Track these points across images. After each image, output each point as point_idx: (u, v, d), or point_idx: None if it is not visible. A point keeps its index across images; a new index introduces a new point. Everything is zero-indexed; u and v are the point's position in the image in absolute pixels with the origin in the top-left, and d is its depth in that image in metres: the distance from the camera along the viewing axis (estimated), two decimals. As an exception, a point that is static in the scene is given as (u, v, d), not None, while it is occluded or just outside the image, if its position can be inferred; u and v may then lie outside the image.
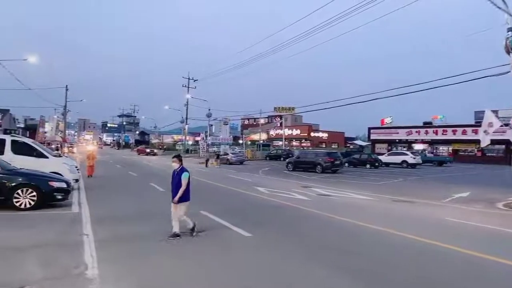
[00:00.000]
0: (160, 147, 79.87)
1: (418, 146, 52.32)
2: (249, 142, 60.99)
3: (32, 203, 9.14)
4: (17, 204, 8.99)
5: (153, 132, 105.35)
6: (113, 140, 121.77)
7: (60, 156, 15.12)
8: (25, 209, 9.01)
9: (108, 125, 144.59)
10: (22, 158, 12.59)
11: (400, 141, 54.85)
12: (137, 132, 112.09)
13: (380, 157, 36.46)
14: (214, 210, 10.01)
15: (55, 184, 9.60)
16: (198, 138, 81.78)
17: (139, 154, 60.27)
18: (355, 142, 77.87)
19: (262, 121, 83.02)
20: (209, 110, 48.94)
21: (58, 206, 9.83)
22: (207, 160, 34.51)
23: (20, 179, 9.15)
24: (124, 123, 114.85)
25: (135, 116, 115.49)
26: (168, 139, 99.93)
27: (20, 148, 13.10)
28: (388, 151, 45.66)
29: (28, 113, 75.47)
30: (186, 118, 58.27)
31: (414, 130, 54.42)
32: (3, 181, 8.96)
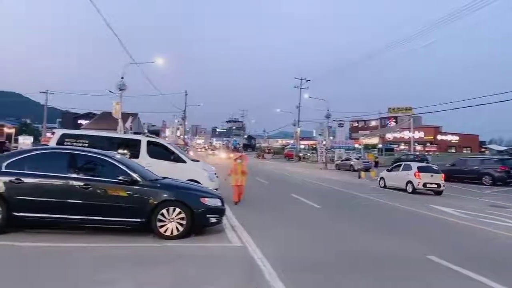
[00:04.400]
0: (268, 151, 78.63)
1: None
2: (360, 146, 54.95)
3: (180, 228, 6.33)
4: (162, 230, 6.26)
5: (261, 136, 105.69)
6: (223, 144, 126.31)
7: (197, 160, 12.79)
8: (171, 238, 6.25)
9: (217, 130, 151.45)
10: (158, 162, 10.39)
11: None
12: (245, 137, 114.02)
13: None
14: (443, 254, 5.98)
15: (208, 202, 6.69)
16: (307, 142, 78.30)
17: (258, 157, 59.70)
18: (489, 146, 65.74)
19: (373, 123, 75.89)
20: (328, 110, 44.76)
21: (208, 233, 6.94)
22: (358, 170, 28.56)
23: (165, 194, 6.43)
24: (234, 128, 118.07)
25: (242, 122, 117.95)
26: (275, 143, 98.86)
27: (156, 151, 10.97)
28: None
29: (146, 118, 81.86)
30: (298, 121, 55.28)
31: None
32: (145, 196, 6.32)
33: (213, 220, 6.72)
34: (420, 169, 17.14)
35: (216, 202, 6.83)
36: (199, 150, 77.17)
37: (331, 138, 46.48)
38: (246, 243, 6.38)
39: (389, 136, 72.19)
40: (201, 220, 6.57)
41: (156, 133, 51.79)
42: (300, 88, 52.25)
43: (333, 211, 11.24)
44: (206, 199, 6.69)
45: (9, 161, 6.08)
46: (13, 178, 5.90)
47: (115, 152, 7.99)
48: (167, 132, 50.20)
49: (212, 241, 6.48)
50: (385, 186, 19.10)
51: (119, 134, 16.05)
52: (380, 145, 56.88)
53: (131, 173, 6.38)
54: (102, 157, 6.55)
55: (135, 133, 37.95)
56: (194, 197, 6.64)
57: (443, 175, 17.45)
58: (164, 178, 7.10)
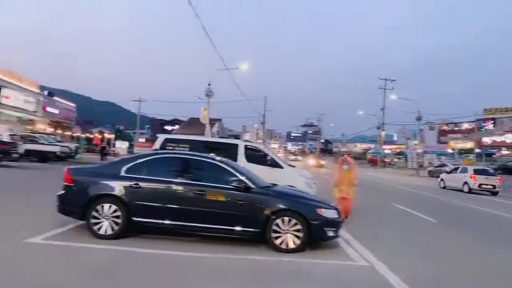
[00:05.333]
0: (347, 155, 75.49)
1: None
2: (453, 151, 49.72)
3: (297, 241, 5.78)
4: (277, 242, 5.77)
5: (339, 140, 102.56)
6: (298, 149, 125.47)
7: (293, 166, 12.29)
8: (286, 251, 5.73)
9: (292, 134, 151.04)
10: (255, 167, 10.06)
11: None
12: (322, 141, 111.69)
13: None
14: None
15: (325, 213, 6.04)
16: (390, 147, 73.76)
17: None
18: None
19: (466, 125, 68.44)
20: (419, 112, 41.41)
21: (323, 247, 6.27)
22: None
23: (280, 203, 5.95)
24: (310, 131, 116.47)
25: (317, 126, 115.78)
26: (354, 148, 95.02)
27: (253, 156, 10.69)
28: None
29: (225, 123, 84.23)
30: (383, 124, 52.18)
31: None
32: (259, 205, 5.90)
33: (330, 233, 6.04)
34: (476, 172, 19.97)
35: (333, 214, 6.15)
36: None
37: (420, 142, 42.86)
38: (371, 261, 5.59)
39: (487, 139, 64.67)
40: (318, 233, 5.94)
41: (236, 137, 53.01)
42: (385, 89, 49.32)
43: (454, 228, 9.73)
44: (323, 210, 6.04)
45: (128, 166, 6.11)
46: (132, 183, 5.90)
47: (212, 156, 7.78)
48: (247, 137, 50.98)
49: (331, 258, 5.79)
50: (444, 187, 22.00)
51: (217, 138, 16.36)
52: (477, 150, 51.06)
53: (244, 179, 6.02)
54: (215, 162, 6.30)
55: (220, 137, 39.09)
56: (310, 207, 6.05)
57: (499, 177, 19.87)
58: (274, 185, 6.63)
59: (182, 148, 10.63)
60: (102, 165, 6.62)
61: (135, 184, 5.89)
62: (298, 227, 5.78)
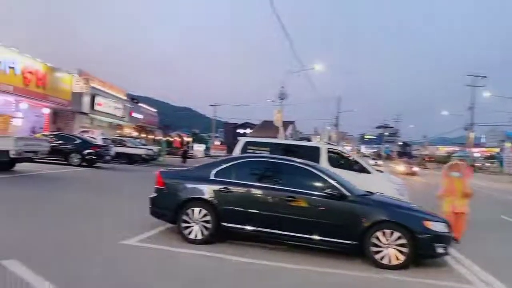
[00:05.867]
0: (429, 159, 70.16)
1: None
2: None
3: (401, 257, 5.11)
4: (377, 257, 5.13)
5: (419, 142, 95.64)
6: (373, 152, 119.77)
7: (381, 171, 11.42)
8: (389, 267, 5.08)
9: (366, 137, 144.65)
10: (339, 172, 9.45)
11: None
12: (399, 143, 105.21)
13: None
14: None
15: (433, 226, 5.28)
16: (479, 150, 66.74)
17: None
18: None
19: None
20: (516, 111, 36.66)
21: (427, 265, 5.50)
22: None
23: (380, 214, 5.35)
24: (386, 134, 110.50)
25: (393, 127, 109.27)
26: (435, 151, 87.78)
27: (336, 160, 10.11)
28: None
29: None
30: (471, 124, 47.31)
31: None
32: (356, 215, 5.35)
33: (440, 250, 5.26)
34: None
35: (442, 228, 5.36)
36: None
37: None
38: (493, 284, 4.73)
39: None
40: (425, 248, 5.21)
41: (308, 140, 52.10)
42: (474, 87, 44.63)
43: None
44: (431, 222, 5.30)
45: (217, 169, 6.00)
46: (221, 187, 5.76)
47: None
48: (317, 139, 49.90)
49: (443, 278, 5.02)
50: None
51: (297, 141, 16.06)
52: None
53: (339, 186, 5.53)
54: (306, 167, 5.92)
55: (298, 139, 38.77)
56: (415, 219, 5.35)
57: None
58: (371, 193, 6.02)
59: (262, 151, 10.45)
60: (192, 168, 6.60)
61: (224, 188, 5.74)
62: (402, 241, 5.12)
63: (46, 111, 26.20)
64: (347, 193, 5.47)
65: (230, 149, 57.31)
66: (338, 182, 5.63)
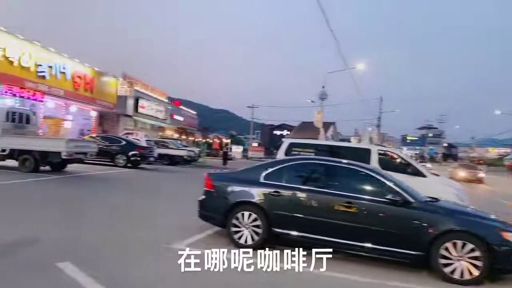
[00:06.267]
0: (478, 161, 65.94)
1: None
2: None
3: (475, 272, 4.52)
4: (447, 271, 4.62)
5: (466, 144, 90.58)
6: (415, 154, 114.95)
7: (437, 174, 10.67)
8: (460, 282, 4.57)
9: (408, 138, 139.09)
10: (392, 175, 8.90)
11: None
12: (444, 145, 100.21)
13: None
14: None
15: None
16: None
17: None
18: None
19: None
20: None
21: (503, 280, 4.92)
22: None
23: (449, 222, 4.83)
24: (430, 135, 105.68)
25: (436, 128, 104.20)
26: (485, 153, 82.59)
27: (388, 162, 9.51)
28: None
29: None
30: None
31: None
32: (420, 223, 4.86)
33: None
34: None
35: (520, 239, 4.76)
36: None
37: None
38: None
39: None
40: (504, 262, 4.64)
41: (348, 142, 50.70)
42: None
43: None
44: (508, 233, 4.71)
45: (267, 172, 5.74)
46: (272, 190, 5.49)
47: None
48: (354, 141, 48.41)
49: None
50: None
51: (345, 143, 15.54)
52: None
53: (401, 192, 5.08)
54: (365, 170, 5.52)
55: (341, 140, 37.92)
56: (490, 228, 4.79)
57: None
58: (436, 199, 5.50)
59: (307, 153, 10.09)
60: (240, 170, 6.39)
61: (275, 191, 5.46)
62: (476, 253, 4.58)
63: (94, 114, 27.34)
64: (411, 199, 5.01)
65: (268, 151, 57.21)
66: (400, 187, 5.19)
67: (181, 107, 46.49)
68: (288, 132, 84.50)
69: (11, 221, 6.18)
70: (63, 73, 21.98)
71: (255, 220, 5.46)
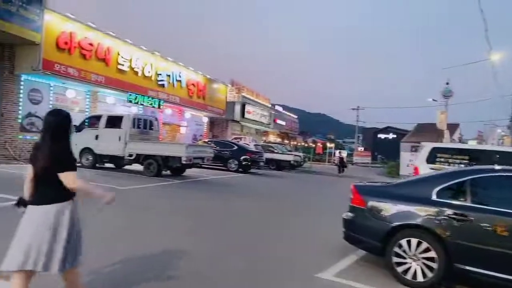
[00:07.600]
0: None
1: None
2: None
3: None
4: None
5: None
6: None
7: None
8: None
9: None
10: None
11: None
12: None
13: None
14: None
15: None
16: None
17: None
18: None
19: None
20: None
21: None
22: None
23: None
24: None
25: None
26: None
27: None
28: None
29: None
30: None
31: None
32: None
33: None
34: None
35: None
36: None
37: None
38: None
39: None
40: None
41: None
42: None
43: None
44: None
45: (442, 186, 4.38)
46: (452, 212, 4.12)
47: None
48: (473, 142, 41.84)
49: None
50: None
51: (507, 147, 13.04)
52: None
53: None
54: None
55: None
56: None
57: None
58: None
59: (455, 160, 8.28)
60: (398, 183, 5.14)
61: (457, 214, 4.08)
62: None
63: (205, 119, 28.54)
64: None
65: (374, 156, 53.28)
66: None
67: (283, 111, 46.32)
68: (395, 136, 78.20)
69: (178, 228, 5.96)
70: (179, 81, 23.22)
71: (426, 250, 4.17)
